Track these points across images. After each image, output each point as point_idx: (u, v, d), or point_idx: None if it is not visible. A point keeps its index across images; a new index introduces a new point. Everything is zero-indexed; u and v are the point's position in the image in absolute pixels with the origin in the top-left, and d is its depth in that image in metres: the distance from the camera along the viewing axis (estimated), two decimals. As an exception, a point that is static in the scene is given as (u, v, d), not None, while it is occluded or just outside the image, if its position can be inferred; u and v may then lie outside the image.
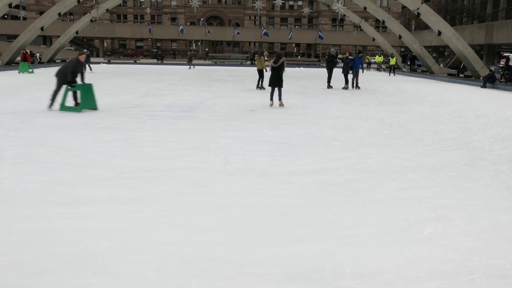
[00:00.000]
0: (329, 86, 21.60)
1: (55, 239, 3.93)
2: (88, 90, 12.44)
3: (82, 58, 12.43)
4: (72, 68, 12.14)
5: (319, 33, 61.04)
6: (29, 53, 32.65)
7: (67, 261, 3.53)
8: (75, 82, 12.28)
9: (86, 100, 12.28)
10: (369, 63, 47.63)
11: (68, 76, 12.08)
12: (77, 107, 12.09)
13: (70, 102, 12.27)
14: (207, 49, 69.75)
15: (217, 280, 3.31)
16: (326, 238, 4.11)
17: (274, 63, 13.72)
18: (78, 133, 9.09)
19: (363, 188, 5.71)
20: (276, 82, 13.80)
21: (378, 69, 44.35)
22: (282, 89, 14.02)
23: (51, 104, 12.24)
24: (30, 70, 30.09)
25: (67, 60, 13.40)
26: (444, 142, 8.90)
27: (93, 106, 12.43)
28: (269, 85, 14.09)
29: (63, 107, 12.01)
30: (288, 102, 14.76)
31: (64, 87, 12.27)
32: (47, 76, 26.92)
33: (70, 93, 12.24)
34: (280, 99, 13.94)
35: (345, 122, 11.34)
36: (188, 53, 51.23)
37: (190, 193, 5.36)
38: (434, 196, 5.42)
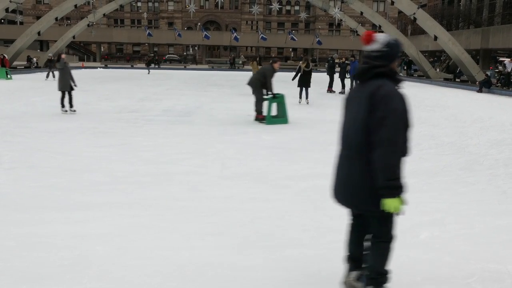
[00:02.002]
0: (331, 91, 21.75)
1: (52, 244, 3.93)
2: (282, 100, 11.75)
3: (277, 65, 11.76)
4: (271, 77, 11.44)
5: (317, 38, 61.10)
6: (6, 57, 29.28)
7: (63, 266, 3.53)
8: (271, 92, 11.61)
9: (281, 111, 11.72)
10: None
11: (269, 87, 11.45)
12: (283, 119, 11.56)
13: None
14: (185, 53, 70.00)
15: (213, 284, 3.31)
16: (322, 242, 4.12)
17: (306, 68, 15.85)
18: (74, 137, 9.09)
19: (360, 192, 5.70)
20: (306, 83, 15.95)
21: None
22: (309, 89, 16.19)
23: (262, 118, 11.58)
24: (8, 76, 26.68)
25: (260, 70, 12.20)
26: (440, 146, 8.93)
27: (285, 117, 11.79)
28: (298, 86, 16.13)
29: (270, 120, 11.37)
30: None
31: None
32: (44, 81, 26.87)
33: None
34: (306, 97, 16.16)
35: (341, 126, 11.32)
36: (146, 58, 49.91)
37: (186, 197, 5.37)
38: (430, 200, 5.43)
